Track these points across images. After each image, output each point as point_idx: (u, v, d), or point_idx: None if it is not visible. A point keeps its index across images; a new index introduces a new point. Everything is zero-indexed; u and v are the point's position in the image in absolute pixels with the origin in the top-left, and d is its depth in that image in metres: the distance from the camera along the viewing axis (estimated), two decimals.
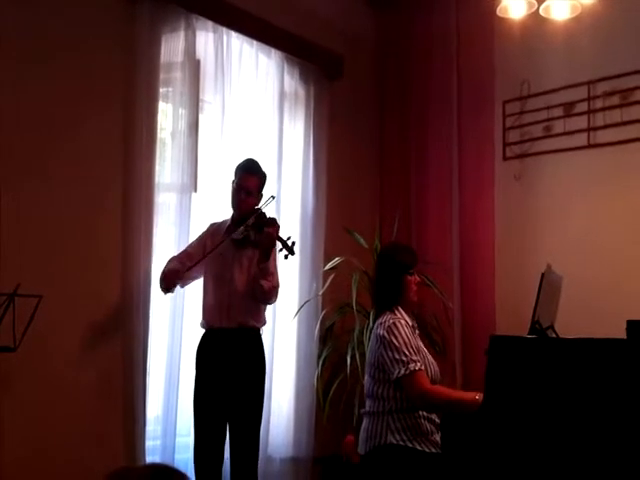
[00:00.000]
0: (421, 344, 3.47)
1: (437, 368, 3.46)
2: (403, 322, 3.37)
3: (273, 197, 3.84)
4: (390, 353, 3.28)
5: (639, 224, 4.37)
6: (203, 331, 3.82)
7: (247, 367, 3.73)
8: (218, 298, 3.75)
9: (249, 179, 3.81)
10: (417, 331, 3.55)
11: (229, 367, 3.68)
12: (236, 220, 3.81)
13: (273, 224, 3.64)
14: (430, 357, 3.46)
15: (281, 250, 3.64)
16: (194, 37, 4.20)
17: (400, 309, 3.46)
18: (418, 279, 3.58)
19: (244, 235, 3.69)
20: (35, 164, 3.56)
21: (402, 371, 3.23)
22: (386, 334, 3.32)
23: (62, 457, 3.54)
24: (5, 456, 3.33)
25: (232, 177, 3.90)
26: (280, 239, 3.63)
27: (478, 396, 3.18)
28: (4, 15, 3.44)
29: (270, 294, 3.74)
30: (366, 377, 3.47)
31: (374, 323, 4.44)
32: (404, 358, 3.25)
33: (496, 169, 4.99)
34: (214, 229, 3.91)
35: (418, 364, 3.25)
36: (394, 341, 3.29)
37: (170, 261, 3.82)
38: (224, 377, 3.68)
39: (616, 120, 4.49)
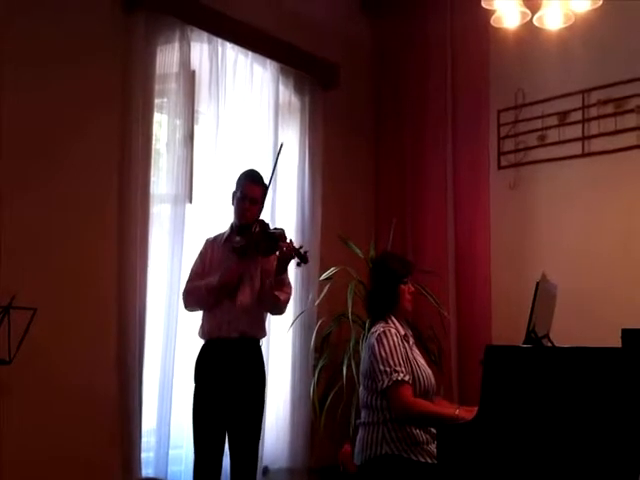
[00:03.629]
0: (416, 354, 3.46)
1: (433, 379, 3.45)
2: (393, 331, 3.36)
3: (282, 144, 3.89)
4: (376, 364, 3.29)
5: (634, 232, 4.38)
6: (202, 342, 3.79)
7: (248, 378, 3.71)
8: (220, 310, 3.70)
9: (254, 188, 3.79)
10: (412, 340, 3.53)
11: (230, 378, 3.66)
12: (237, 229, 3.79)
13: (284, 236, 3.65)
14: (426, 368, 3.44)
15: (293, 258, 3.65)
16: (189, 48, 4.22)
17: (393, 318, 3.46)
18: (412, 289, 3.58)
19: (249, 244, 3.67)
20: (31, 175, 3.56)
21: (386, 382, 3.23)
22: (375, 343, 3.32)
23: (58, 469, 3.53)
24: (3, 468, 3.32)
25: (231, 188, 3.86)
26: (294, 249, 3.64)
27: (458, 411, 3.19)
28: (3, 27, 3.46)
29: (285, 305, 3.78)
30: (360, 387, 3.47)
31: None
32: (388, 369, 3.24)
33: (491, 178, 5.00)
34: (211, 242, 3.87)
35: (401, 374, 3.23)
36: (381, 351, 3.29)
37: (195, 283, 3.75)
38: (225, 388, 3.66)
39: (610, 129, 4.50)
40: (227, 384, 3.66)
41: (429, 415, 3.22)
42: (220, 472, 3.73)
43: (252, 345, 3.76)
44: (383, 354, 3.28)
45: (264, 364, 3.82)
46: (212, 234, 3.94)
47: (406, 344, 3.39)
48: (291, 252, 3.59)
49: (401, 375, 3.23)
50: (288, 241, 3.64)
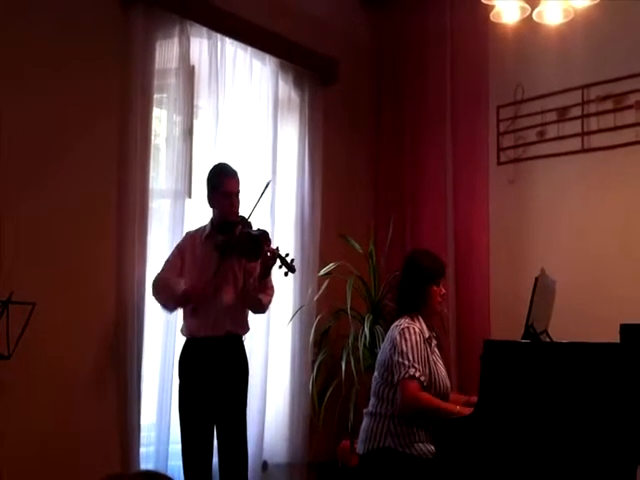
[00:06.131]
0: (436, 358, 3.47)
1: (449, 383, 3.48)
2: (417, 329, 3.38)
3: (269, 182, 3.89)
4: (396, 356, 3.32)
5: (633, 228, 4.38)
6: (184, 339, 3.80)
7: (231, 373, 3.73)
8: (204, 309, 3.70)
9: (234, 182, 3.79)
10: (435, 342, 3.54)
11: (213, 374, 3.67)
12: (217, 226, 3.78)
13: (268, 240, 3.64)
14: (443, 372, 3.46)
15: (280, 267, 3.65)
16: (188, 43, 4.21)
17: (420, 318, 3.47)
18: (444, 291, 3.58)
19: (232, 244, 3.67)
20: (31, 171, 3.57)
21: (402, 374, 3.25)
22: (398, 337, 3.35)
23: (57, 464, 3.54)
24: (2, 462, 3.31)
25: (207, 185, 3.83)
26: (279, 256, 3.64)
27: (459, 408, 3.21)
28: (4, 24, 3.46)
29: (267, 307, 3.82)
30: (375, 374, 3.49)
31: (370, 327, 4.49)
32: (406, 362, 3.27)
33: (490, 174, 4.99)
34: (192, 237, 3.86)
35: (418, 372, 3.25)
36: (402, 345, 3.31)
37: (167, 280, 3.75)
38: (209, 384, 3.67)
39: (609, 124, 4.49)
40: (211, 381, 3.67)
41: (433, 409, 3.24)
42: (210, 467, 3.73)
43: (235, 341, 3.77)
44: (404, 348, 3.30)
45: (247, 360, 3.83)
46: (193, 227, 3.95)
47: (428, 347, 3.40)
48: (275, 258, 3.60)
49: (418, 373, 3.26)
50: (273, 246, 3.64)
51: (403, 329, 3.36)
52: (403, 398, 3.26)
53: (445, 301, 3.69)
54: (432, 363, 3.38)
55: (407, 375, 3.25)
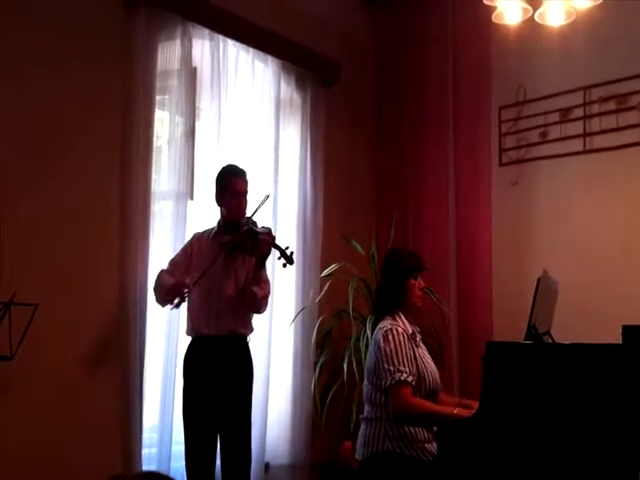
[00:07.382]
0: (423, 352, 3.47)
1: (438, 377, 3.47)
2: (400, 329, 3.37)
3: (267, 196, 3.83)
4: (381, 361, 3.31)
5: (635, 229, 4.38)
6: (190, 339, 3.80)
7: (236, 375, 3.72)
8: (206, 305, 3.72)
9: (242, 182, 3.82)
10: (419, 337, 3.53)
11: (218, 375, 3.67)
12: (224, 226, 3.80)
13: (268, 232, 3.66)
14: (431, 366, 3.46)
15: (279, 259, 3.68)
16: (190, 45, 4.21)
17: (401, 314, 3.46)
18: (423, 284, 3.57)
19: (236, 241, 3.68)
20: (33, 173, 3.56)
21: (389, 381, 3.25)
22: (381, 340, 3.34)
23: (59, 465, 3.53)
24: (2, 465, 3.31)
25: (216, 185, 3.86)
26: (278, 248, 3.67)
27: (457, 410, 3.21)
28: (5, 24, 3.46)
29: (262, 302, 3.75)
30: (365, 382, 3.48)
31: (372, 329, 4.48)
32: (391, 367, 3.27)
33: (492, 175, 4.99)
34: (198, 238, 3.88)
35: (404, 375, 3.25)
36: (386, 348, 3.31)
37: (163, 275, 3.76)
38: (213, 385, 3.67)
39: (612, 125, 4.50)
40: (216, 381, 3.67)
41: (428, 415, 3.24)
42: (213, 469, 3.73)
43: (240, 342, 3.77)
44: (388, 352, 3.30)
45: (252, 361, 3.83)
46: (201, 229, 3.96)
47: (412, 343, 3.40)
48: (269, 246, 3.60)
49: (404, 375, 3.25)
50: (271, 237, 3.64)
51: (386, 331, 3.36)
52: (395, 407, 3.27)
53: (427, 297, 3.69)
54: (419, 358, 3.38)
55: (394, 381, 3.25)
